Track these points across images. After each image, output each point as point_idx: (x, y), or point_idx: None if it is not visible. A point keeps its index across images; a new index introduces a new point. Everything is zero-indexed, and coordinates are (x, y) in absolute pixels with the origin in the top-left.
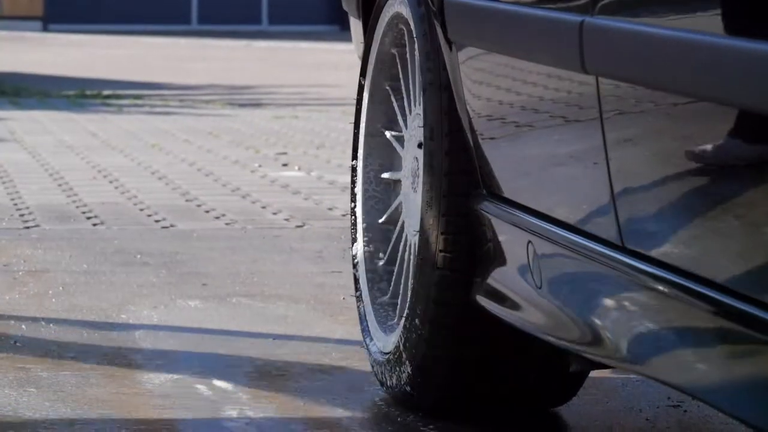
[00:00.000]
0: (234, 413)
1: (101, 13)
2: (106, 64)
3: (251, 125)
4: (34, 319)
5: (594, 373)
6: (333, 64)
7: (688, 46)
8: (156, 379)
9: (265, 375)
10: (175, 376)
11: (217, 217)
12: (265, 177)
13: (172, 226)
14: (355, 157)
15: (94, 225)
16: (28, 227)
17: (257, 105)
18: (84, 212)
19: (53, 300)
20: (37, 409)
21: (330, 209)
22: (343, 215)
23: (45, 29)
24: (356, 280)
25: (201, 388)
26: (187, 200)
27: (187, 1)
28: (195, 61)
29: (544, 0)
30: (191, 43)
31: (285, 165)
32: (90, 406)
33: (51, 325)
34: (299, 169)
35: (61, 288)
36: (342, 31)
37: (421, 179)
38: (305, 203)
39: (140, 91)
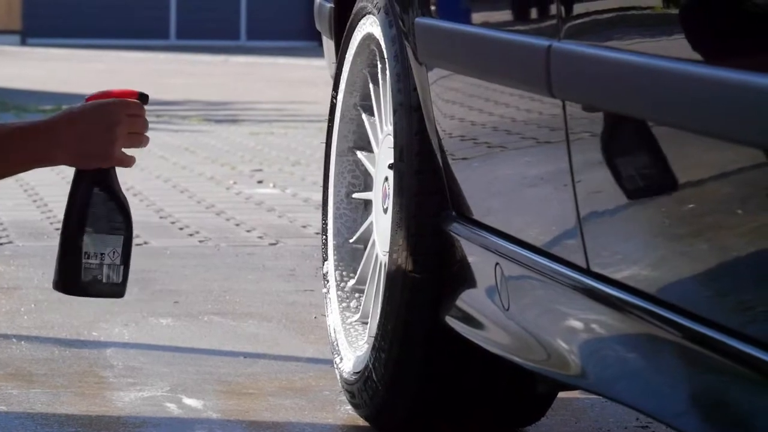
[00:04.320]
0: None
1: (80, 28)
2: (84, 78)
3: (227, 141)
4: (5, 336)
5: (563, 394)
6: (311, 81)
7: (654, 71)
8: (126, 397)
9: (235, 393)
10: (146, 394)
11: (191, 234)
12: (240, 194)
13: (145, 243)
14: (326, 175)
15: None
16: (1, 244)
17: (234, 121)
18: (57, 228)
19: (25, 317)
20: (6, 428)
21: (304, 227)
22: (317, 233)
23: (23, 43)
24: (327, 299)
25: (171, 406)
26: (161, 217)
27: (165, 15)
28: (173, 76)
29: (513, 24)
30: (169, 57)
31: (260, 182)
32: (60, 424)
33: (22, 342)
34: (274, 186)
35: (33, 305)
36: (320, 47)
37: (391, 199)
38: (279, 221)
39: None
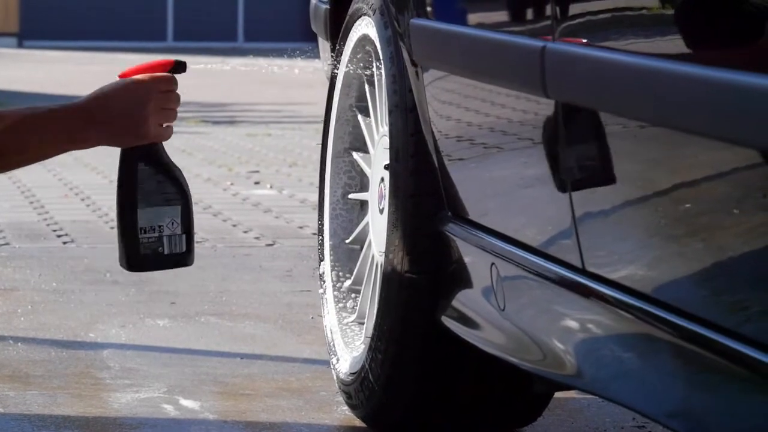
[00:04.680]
0: None
1: (77, 30)
2: (81, 80)
3: (224, 143)
4: (2, 338)
5: (559, 394)
6: (307, 82)
7: (648, 71)
8: (123, 399)
9: (232, 394)
10: (143, 396)
11: None
12: (236, 195)
13: None
14: (322, 177)
15: (65, 243)
16: None
17: (231, 122)
18: (54, 230)
19: (21, 319)
20: (3, 429)
21: (300, 228)
22: (314, 234)
23: (20, 45)
24: (323, 300)
25: (168, 407)
26: None
27: (162, 17)
28: None
29: (508, 25)
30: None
31: (257, 183)
32: (57, 426)
33: (19, 344)
34: (271, 187)
35: (29, 306)
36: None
37: (387, 200)
38: (276, 222)
39: None
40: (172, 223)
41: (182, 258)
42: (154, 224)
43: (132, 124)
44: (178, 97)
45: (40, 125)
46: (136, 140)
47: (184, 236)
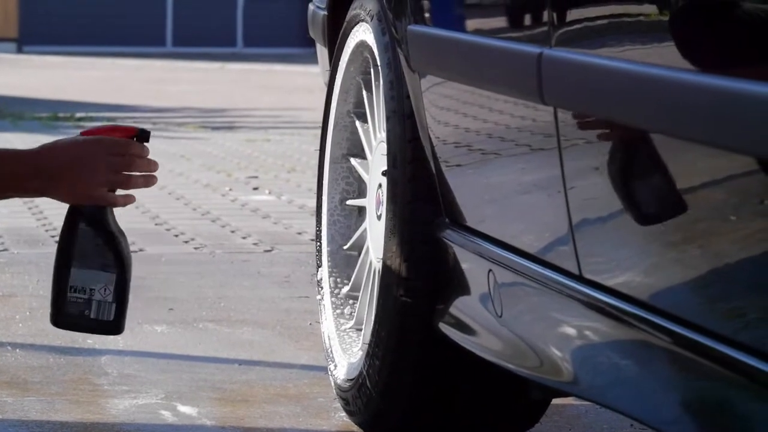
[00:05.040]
0: None
1: (76, 35)
2: (80, 86)
3: (223, 148)
4: (0, 344)
5: (557, 400)
6: (307, 87)
7: (644, 78)
8: (121, 405)
9: (230, 400)
10: (140, 402)
11: (186, 241)
12: (235, 201)
13: (140, 250)
14: (320, 183)
15: None
16: None
17: (230, 128)
18: (53, 236)
19: (20, 325)
20: None
21: (299, 234)
22: (312, 240)
23: (19, 51)
24: (321, 306)
25: (166, 413)
26: (156, 224)
27: (162, 23)
28: (169, 84)
29: (504, 31)
30: (166, 65)
31: (256, 189)
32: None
33: (17, 350)
34: (270, 193)
35: (28, 313)
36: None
37: (384, 206)
38: (275, 227)
39: (114, 113)
40: (105, 290)
41: (109, 326)
42: (85, 286)
43: (72, 181)
44: (136, 163)
45: None
46: (77, 200)
47: (114, 305)
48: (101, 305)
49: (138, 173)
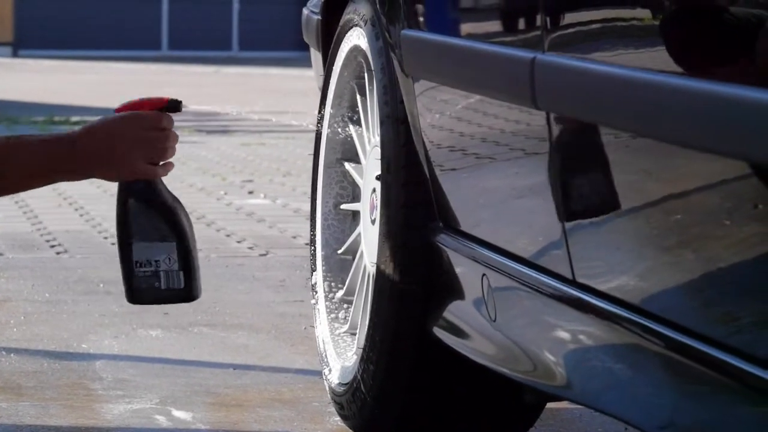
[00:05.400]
0: None
1: (72, 39)
2: (75, 89)
3: (218, 152)
4: None
5: (552, 404)
6: (302, 91)
7: (637, 83)
8: (115, 410)
9: (224, 405)
10: (135, 407)
11: None
12: (230, 205)
13: None
14: (314, 187)
15: (58, 253)
16: None
17: (225, 131)
18: (48, 240)
19: (14, 329)
20: None
21: (294, 237)
22: (307, 244)
23: (15, 55)
24: (315, 310)
25: (160, 418)
26: None
27: (157, 26)
28: (164, 87)
29: (498, 36)
30: (161, 68)
31: (251, 193)
32: None
33: (11, 354)
34: (265, 196)
35: (22, 317)
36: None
37: (378, 211)
38: (269, 231)
39: None
40: (169, 260)
41: (182, 294)
42: (150, 258)
43: (113, 160)
44: (170, 135)
45: (27, 154)
46: (119, 176)
47: (181, 273)
48: (169, 275)
49: (171, 144)
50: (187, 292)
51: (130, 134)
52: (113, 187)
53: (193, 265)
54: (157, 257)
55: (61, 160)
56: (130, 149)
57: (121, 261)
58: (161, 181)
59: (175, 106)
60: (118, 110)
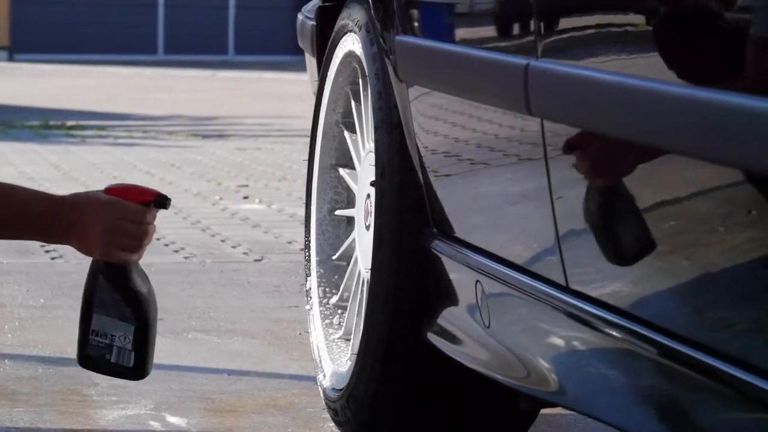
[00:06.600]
0: None
1: (68, 43)
2: (71, 94)
3: (214, 157)
4: None
5: (546, 410)
6: (297, 95)
7: (630, 90)
8: (110, 416)
9: (218, 411)
10: (129, 413)
11: (176, 251)
12: (225, 210)
13: None
14: (309, 192)
15: (53, 259)
16: None
17: (221, 136)
18: (43, 245)
19: (9, 335)
20: None
21: (289, 243)
22: (302, 249)
23: (11, 59)
24: (310, 316)
25: (155, 424)
26: None
27: (153, 30)
28: (160, 92)
29: (491, 42)
30: (157, 73)
31: (246, 198)
32: None
33: (6, 360)
34: (260, 201)
35: (17, 323)
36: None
37: (373, 217)
38: (265, 236)
39: (104, 121)
40: (124, 338)
41: (129, 371)
42: (107, 332)
43: (88, 238)
44: (149, 231)
45: (10, 209)
46: (93, 255)
47: (133, 354)
48: (121, 352)
49: (148, 239)
50: (134, 371)
51: (111, 222)
52: None
53: (147, 349)
54: (114, 332)
55: (43, 226)
56: (106, 234)
57: (80, 323)
58: (137, 264)
59: (162, 203)
60: (107, 191)
